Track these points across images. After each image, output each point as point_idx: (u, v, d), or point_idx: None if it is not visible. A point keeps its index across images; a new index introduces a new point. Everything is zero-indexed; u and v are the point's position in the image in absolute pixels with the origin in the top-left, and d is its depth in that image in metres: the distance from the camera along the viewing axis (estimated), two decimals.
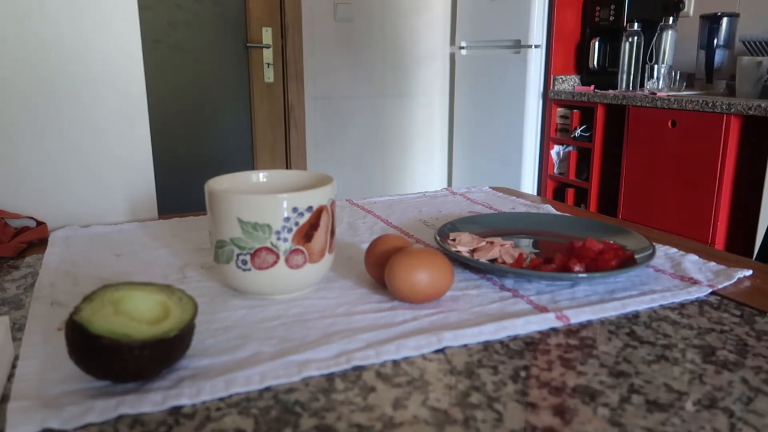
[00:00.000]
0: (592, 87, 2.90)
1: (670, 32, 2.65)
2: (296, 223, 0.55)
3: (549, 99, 2.98)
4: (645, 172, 2.42)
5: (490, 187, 1.07)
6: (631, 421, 0.38)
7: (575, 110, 2.89)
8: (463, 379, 0.43)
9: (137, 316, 0.43)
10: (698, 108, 2.21)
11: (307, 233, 0.55)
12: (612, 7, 2.82)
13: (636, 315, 0.54)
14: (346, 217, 0.88)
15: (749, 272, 0.64)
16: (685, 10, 2.77)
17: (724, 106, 2.09)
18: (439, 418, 0.39)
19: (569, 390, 0.42)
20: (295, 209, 0.54)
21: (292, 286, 0.57)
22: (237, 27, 2.94)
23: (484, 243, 0.67)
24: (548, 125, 3.01)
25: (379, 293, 0.59)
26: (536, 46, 2.89)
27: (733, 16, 2.49)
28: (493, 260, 0.64)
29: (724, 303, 0.57)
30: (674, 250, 0.71)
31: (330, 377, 0.44)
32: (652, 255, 0.63)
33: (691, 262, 0.67)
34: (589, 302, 0.56)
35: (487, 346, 0.48)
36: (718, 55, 2.50)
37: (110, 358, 0.40)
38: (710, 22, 2.48)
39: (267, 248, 0.54)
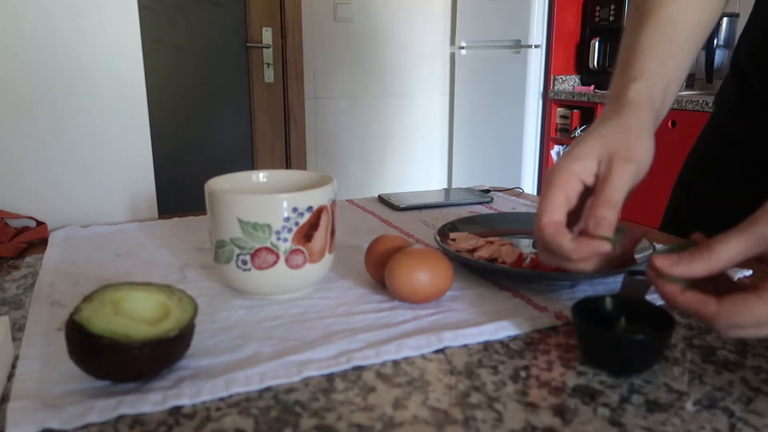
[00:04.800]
0: (592, 87, 2.90)
1: None
2: (296, 223, 0.55)
3: (549, 99, 2.98)
4: None
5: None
6: (631, 421, 0.38)
7: (575, 110, 2.89)
8: (463, 379, 0.43)
9: (137, 316, 0.43)
10: (698, 108, 2.21)
11: (307, 233, 0.55)
12: (612, 7, 2.82)
13: None
14: (346, 217, 0.88)
15: (749, 272, 0.64)
16: None
17: None
18: (439, 418, 0.39)
19: (569, 390, 0.42)
20: (295, 209, 0.54)
21: (292, 286, 0.57)
22: (237, 27, 2.94)
23: (484, 243, 0.67)
24: (548, 125, 3.01)
25: (379, 293, 0.59)
26: (536, 46, 2.89)
27: (733, 16, 2.50)
28: (493, 260, 0.64)
29: None
30: None
31: (330, 377, 0.44)
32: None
33: None
34: None
35: (487, 346, 0.48)
36: (718, 55, 2.50)
37: (110, 358, 0.40)
38: None
39: (267, 248, 0.54)
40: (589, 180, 0.50)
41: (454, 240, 0.70)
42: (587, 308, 0.47)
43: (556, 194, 0.49)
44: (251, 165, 3.08)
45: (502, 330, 0.50)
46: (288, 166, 3.14)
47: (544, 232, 0.48)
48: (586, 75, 3.02)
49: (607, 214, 0.47)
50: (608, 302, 0.48)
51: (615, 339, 0.44)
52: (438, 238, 0.68)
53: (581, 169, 0.49)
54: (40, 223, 0.79)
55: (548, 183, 0.50)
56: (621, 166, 0.48)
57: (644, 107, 0.52)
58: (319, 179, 0.62)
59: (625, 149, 0.49)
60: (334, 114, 3.20)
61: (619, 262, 0.52)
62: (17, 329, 0.51)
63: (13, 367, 0.45)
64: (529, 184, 3.02)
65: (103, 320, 0.41)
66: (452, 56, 3.40)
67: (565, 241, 0.47)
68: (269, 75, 3.02)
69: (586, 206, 0.50)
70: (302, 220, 0.55)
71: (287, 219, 0.54)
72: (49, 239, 0.76)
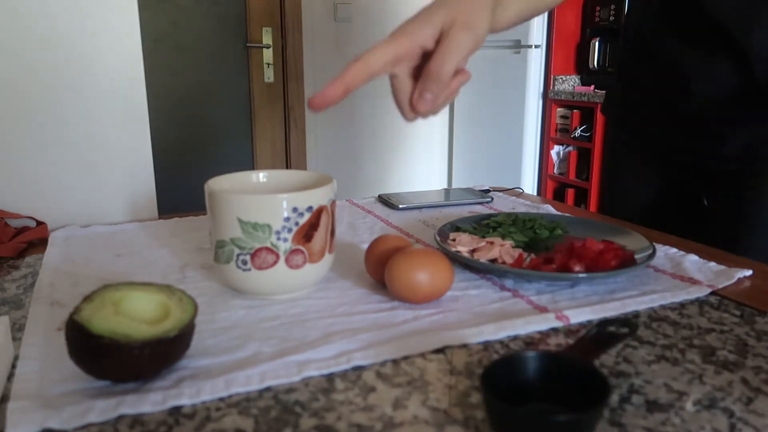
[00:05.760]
0: (592, 87, 2.90)
1: None
2: (296, 223, 0.55)
3: (549, 99, 2.98)
4: None
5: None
6: (631, 421, 0.38)
7: (575, 110, 2.90)
8: (463, 379, 0.43)
9: (137, 316, 0.43)
10: None
11: (307, 233, 0.55)
12: (612, 7, 2.82)
13: (636, 315, 0.54)
14: (346, 217, 0.88)
15: (749, 272, 0.64)
16: None
17: None
18: (439, 418, 0.39)
19: None
20: (295, 209, 0.54)
21: (292, 286, 0.57)
22: (237, 27, 2.93)
23: (484, 243, 0.67)
24: (548, 125, 3.01)
25: (379, 293, 0.59)
26: (536, 46, 2.90)
27: None
28: (493, 260, 0.64)
29: (724, 303, 0.57)
30: (674, 250, 0.71)
31: (330, 377, 0.44)
32: (652, 255, 0.63)
33: (691, 262, 0.67)
34: (589, 302, 0.56)
35: (487, 346, 0.48)
36: None
37: (110, 358, 0.40)
38: None
39: (267, 248, 0.54)
40: (429, 44, 0.52)
41: (454, 240, 0.70)
42: (508, 369, 0.38)
43: (383, 46, 0.52)
44: (251, 165, 3.08)
45: (502, 330, 0.50)
46: (288, 166, 3.14)
47: (347, 68, 0.51)
48: (586, 75, 3.02)
49: (430, 87, 0.52)
50: (533, 363, 0.39)
51: (525, 417, 0.35)
52: (438, 238, 0.68)
53: (419, 32, 0.52)
54: (40, 223, 0.79)
55: (384, 39, 0.52)
56: (459, 32, 0.51)
57: None
58: (319, 179, 0.62)
59: (466, 17, 0.52)
60: (334, 114, 3.20)
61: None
62: (17, 329, 0.51)
63: (13, 367, 0.45)
64: (529, 184, 3.02)
65: (103, 320, 0.41)
66: None
67: (338, 82, 0.50)
68: (269, 75, 3.02)
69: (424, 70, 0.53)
70: (302, 220, 0.55)
71: (287, 219, 0.54)
72: (49, 239, 0.76)
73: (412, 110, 0.54)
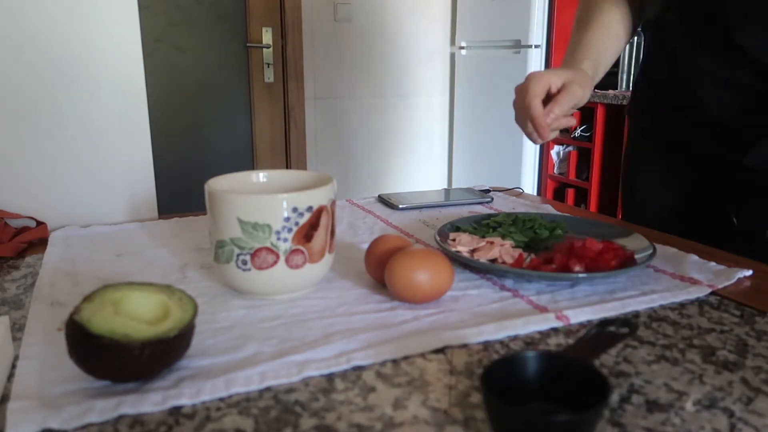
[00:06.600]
0: None
1: None
2: (296, 223, 0.55)
3: None
4: None
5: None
6: (631, 421, 0.38)
7: (575, 110, 2.89)
8: (463, 379, 0.43)
9: (137, 316, 0.43)
10: None
11: (307, 233, 0.55)
12: None
13: (636, 315, 0.54)
14: (346, 217, 0.88)
15: (749, 272, 0.64)
16: None
17: None
18: (439, 418, 0.39)
19: None
20: (295, 209, 0.54)
21: (292, 286, 0.57)
22: (237, 27, 2.93)
23: (484, 243, 0.67)
24: None
25: (379, 293, 0.59)
26: (536, 46, 2.89)
27: None
28: (493, 260, 0.64)
29: (724, 303, 0.57)
30: (674, 250, 0.71)
31: (330, 377, 0.44)
32: (652, 255, 0.63)
33: (691, 262, 0.67)
34: (589, 302, 0.56)
35: (487, 346, 0.48)
36: None
37: (110, 358, 0.40)
38: None
39: (267, 248, 0.54)
40: (554, 88, 0.74)
41: (454, 240, 0.70)
42: (508, 369, 0.38)
43: (540, 84, 0.74)
44: (251, 165, 3.08)
45: (502, 330, 0.50)
46: (288, 166, 3.14)
47: (532, 100, 0.73)
48: None
49: (556, 110, 0.73)
50: (533, 363, 0.39)
51: (525, 417, 0.35)
52: (438, 238, 0.68)
53: (554, 79, 0.75)
54: (40, 223, 0.79)
55: (533, 78, 0.74)
56: (575, 87, 0.75)
57: (588, 75, 0.81)
58: (319, 179, 0.62)
59: (581, 81, 0.77)
60: (334, 114, 3.20)
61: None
62: (17, 329, 0.51)
63: (13, 367, 0.45)
64: (529, 184, 3.02)
65: (103, 320, 0.41)
66: (452, 56, 3.40)
67: (539, 110, 0.73)
68: (269, 75, 3.02)
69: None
70: (302, 220, 0.55)
71: (287, 219, 0.54)
72: (49, 239, 0.76)
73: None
